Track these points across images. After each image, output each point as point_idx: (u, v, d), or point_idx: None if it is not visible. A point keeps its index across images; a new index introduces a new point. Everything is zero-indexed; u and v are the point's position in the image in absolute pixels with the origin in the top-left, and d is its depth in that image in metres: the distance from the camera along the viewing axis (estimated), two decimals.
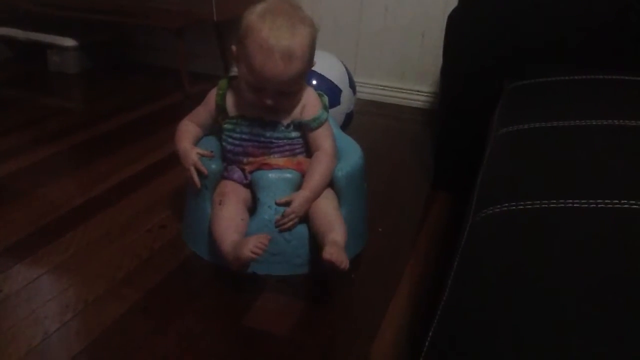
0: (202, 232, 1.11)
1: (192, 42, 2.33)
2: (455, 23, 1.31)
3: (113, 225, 1.23)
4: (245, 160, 1.11)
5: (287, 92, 1.03)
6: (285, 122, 1.09)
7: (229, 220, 1.03)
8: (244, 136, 1.10)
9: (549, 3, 1.19)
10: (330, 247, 0.92)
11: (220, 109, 1.11)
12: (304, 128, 1.10)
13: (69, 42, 2.31)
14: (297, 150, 1.12)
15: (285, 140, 1.10)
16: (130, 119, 1.90)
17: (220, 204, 1.05)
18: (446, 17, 1.32)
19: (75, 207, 1.30)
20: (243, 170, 1.10)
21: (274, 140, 1.09)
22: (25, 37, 2.37)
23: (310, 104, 1.09)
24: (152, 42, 2.54)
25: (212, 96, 1.13)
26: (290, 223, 1.04)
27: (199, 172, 1.08)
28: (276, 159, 1.10)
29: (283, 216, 1.03)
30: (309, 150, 1.13)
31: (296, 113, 1.09)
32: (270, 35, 0.95)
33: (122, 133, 1.79)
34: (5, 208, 1.28)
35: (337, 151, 1.13)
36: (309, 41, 0.99)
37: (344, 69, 1.68)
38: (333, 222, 1.01)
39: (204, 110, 1.14)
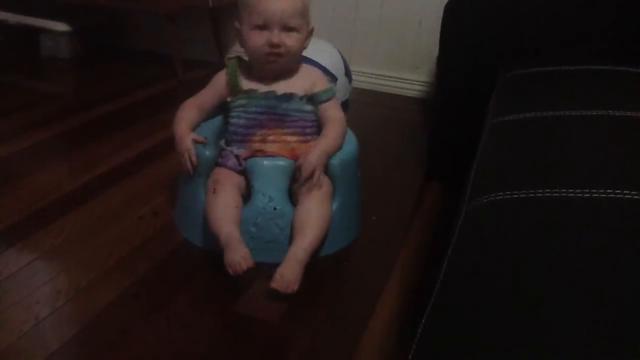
0: (195, 219, 1.11)
1: (186, 27, 2.32)
2: (451, 13, 1.30)
3: (105, 212, 1.22)
4: (259, 133, 1.10)
5: (291, 27, 1.05)
6: (299, 94, 1.10)
7: (223, 208, 1.03)
8: (259, 109, 1.10)
9: None
10: (278, 274, 0.95)
11: (233, 84, 1.12)
12: (316, 101, 1.12)
13: (62, 26, 2.29)
14: (309, 126, 1.13)
15: (299, 115, 1.11)
16: (123, 104, 1.89)
17: (214, 192, 1.05)
18: (443, 6, 1.32)
19: (67, 192, 1.29)
20: (237, 157, 1.09)
21: (288, 113, 1.10)
22: (17, 21, 2.34)
23: (319, 80, 1.14)
24: (146, 27, 2.52)
25: (219, 77, 1.14)
26: (315, 177, 1.04)
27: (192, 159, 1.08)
28: (271, 146, 1.09)
29: (302, 175, 1.04)
30: (319, 129, 1.14)
31: (308, 87, 1.11)
32: None
33: (114, 119, 1.77)
34: None
35: (345, 123, 1.15)
36: None
37: (340, 58, 1.67)
38: (306, 224, 1.02)
39: (210, 92, 1.15)
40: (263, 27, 1.05)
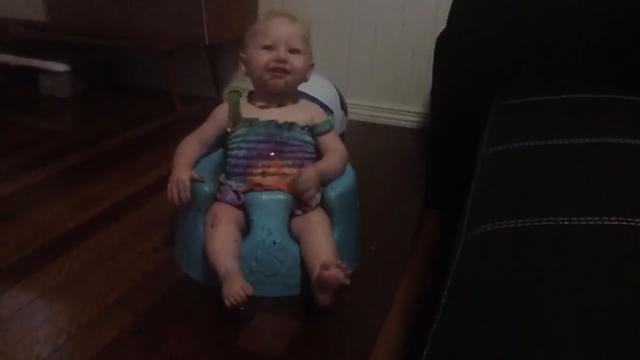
0: (195, 254, 1.11)
1: (183, 64, 2.35)
2: (444, 44, 1.33)
3: (105, 248, 1.23)
4: (259, 164, 1.11)
5: (296, 49, 1.11)
6: (300, 124, 1.13)
7: (221, 242, 1.03)
8: (260, 137, 1.12)
9: (536, 25, 1.21)
10: (324, 268, 0.95)
11: (235, 113, 1.14)
12: (316, 132, 1.15)
13: (61, 67, 2.31)
14: (307, 158, 1.15)
15: (298, 145, 1.13)
16: (122, 141, 1.90)
17: (212, 227, 1.05)
18: (435, 37, 1.34)
19: (67, 230, 1.30)
20: (236, 191, 1.10)
21: (288, 142, 1.12)
22: (17, 63, 2.37)
23: (318, 114, 1.18)
24: (143, 64, 2.55)
25: (219, 110, 1.17)
26: (309, 192, 1.06)
27: (193, 192, 1.09)
28: (269, 179, 1.10)
29: (299, 187, 1.06)
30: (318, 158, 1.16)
31: (308, 120, 1.15)
32: (273, 15, 1.15)
33: (113, 155, 1.79)
34: None
35: (346, 154, 1.17)
36: (306, 25, 1.15)
37: (335, 91, 1.69)
38: (320, 249, 1.02)
39: (210, 126, 1.17)
40: (270, 47, 1.10)
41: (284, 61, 1.10)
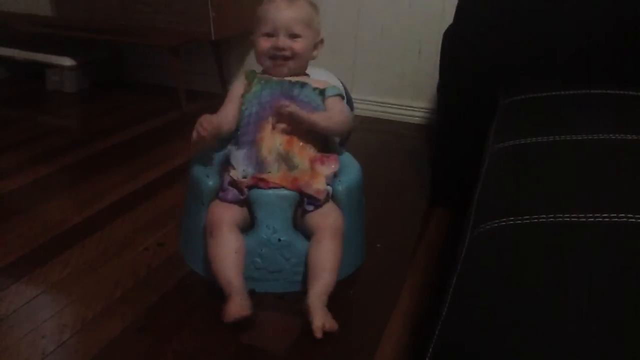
0: (199, 249, 1.11)
1: (190, 60, 2.35)
2: (450, 40, 1.32)
3: (110, 244, 1.23)
4: (272, 120, 1.11)
5: (296, 34, 1.12)
6: (310, 85, 1.15)
7: (222, 256, 1.02)
8: (274, 92, 1.13)
9: (542, 20, 1.20)
10: (319, 326, 0.94)
11: (250, 78, 1.16)
12: (325, 95, 1.15)
13: (67, 61, 2.32)
14: None
15: (309, 102, 1.13)
16: (127, 137, 1.91)
17: (211, 236, 1.04)
18: (442, 34, 1.34)
19: (72, 225, 1.30)
20: (238, 185, 1.08)
21: (301, 99, 1.13)
22: (23, 57, 2.38)
23: (329, 85, 1.18)
24: (150, 60, 2.55)
25: (236, 85, 1.18)
26: (284, 109, 1.07)
27: (197, 187, 1.09)
28: (273, 174, 1.09)
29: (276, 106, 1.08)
30: (324, 143, 1.16)
31: (320, 86, 1.16)
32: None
33: (119, 151, 1.79)
34: (2, 227, 1.28)
35: (350, 116, 1.18)
36: (308, 7, 1.15)
37: (341, 86, 1.68)
38: (322, 269, 1.02)
39: (230, 101, 1.16)
40: (271, 34, 1.12)
41: (283, 49, 1.12)
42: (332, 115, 1.13)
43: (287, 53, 1.12)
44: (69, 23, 2.28)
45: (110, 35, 2.21)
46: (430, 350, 0.53)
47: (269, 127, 1.11)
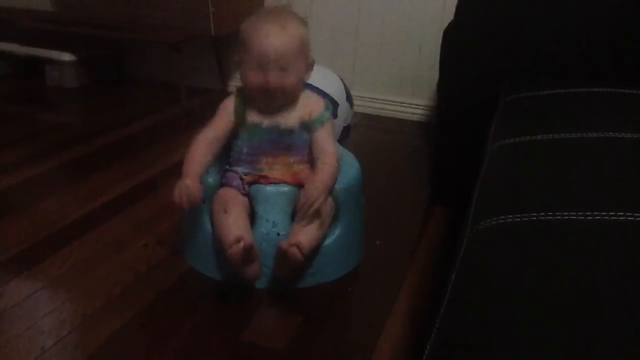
0: (200, 246, 1.11)
1: (190, 56, 2.34)
2: (450, 38, 1.32)
3: (110, 240, 1.23)
4: (264, 159, 1.11)
5: (286, 68, 1.04)
6: (298, 125, 1.10)
7: (237, 226, 1.02)
8: (264, 137, 1.11)
9: (544, 18, 1.20)
10: (287, 243, 0.98)
11: (240, 116, 1.11)
12: (311, 128, 1.11)
13: (67, 57, 2.32)
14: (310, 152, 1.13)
15: (302, 143, 1.11)
16: (128, 133, 1.91)
17: (225, 212, 1.04)
18: (442, 31, 1.33)
19: (72, 221, 1.30)
20: (242, 179, 1.09)
21: (292, 143, 1.11)
22: (24, 53, 2.38)
23: (316, 107, 1.12)
24: (150, 56, 2.55)
25: (227, 104, 1.13)
26: (311, 210, 1.02)
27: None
28: (275, 172, 1.10)
29: (302, 209, 1.03)
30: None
31: (305, 116, 1.11)
32: (263, 22, 1.06)
33: (119, 147, 1.79)
34: (1, 222, 1.28)
35: (339, 156, 1.12)
36: (300, 30, 1.07)
37: (341, 83, 1.68)
38: (297, 230, 1.03)
39: (222, 120, 1.13)
40: (259, 67, 1.05)
41: (274, 87, 1.05)
42: (326, 169, 1.08)
43: (277, 91, 1.06)
44: (69, 18, 2.28)
45: (111, 31, 2.21)
46: (429, 347, 0.53)
47: (264, 160, 1.11)
